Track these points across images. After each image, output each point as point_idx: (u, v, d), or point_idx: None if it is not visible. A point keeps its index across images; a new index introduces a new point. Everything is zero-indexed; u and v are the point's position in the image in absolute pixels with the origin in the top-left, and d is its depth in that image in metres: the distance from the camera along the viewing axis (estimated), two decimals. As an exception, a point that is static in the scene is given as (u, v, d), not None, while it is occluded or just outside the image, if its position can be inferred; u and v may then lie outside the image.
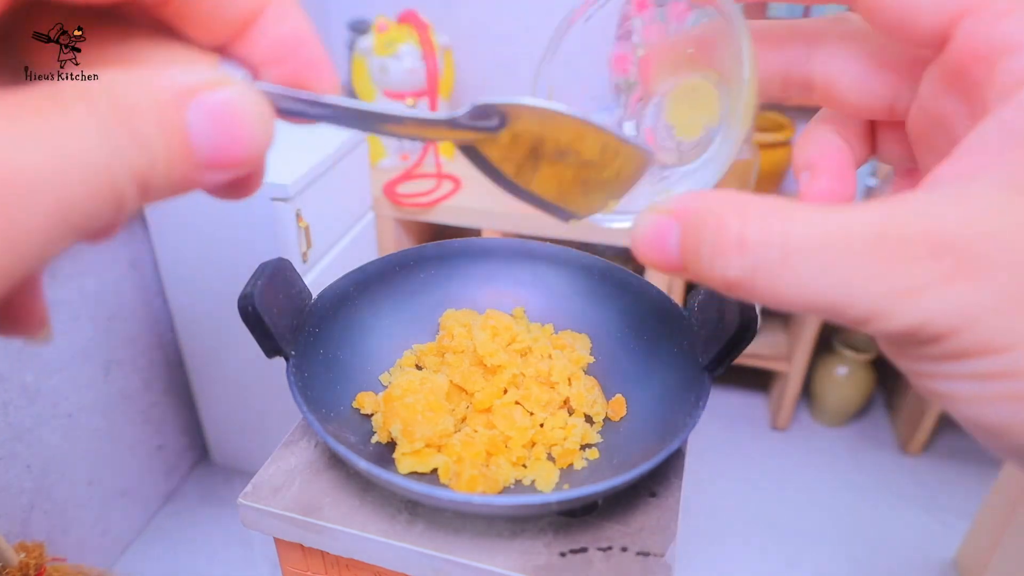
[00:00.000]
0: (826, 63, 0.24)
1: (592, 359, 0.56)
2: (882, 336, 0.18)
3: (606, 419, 0.52)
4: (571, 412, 0.52)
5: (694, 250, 0.19)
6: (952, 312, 0.16)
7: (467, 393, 0.51)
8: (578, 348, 0.56)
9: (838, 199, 0.24)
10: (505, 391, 0.51)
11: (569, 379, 0.52)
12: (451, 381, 0.51)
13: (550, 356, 0.54)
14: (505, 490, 0.46)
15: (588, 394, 0.52)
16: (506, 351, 0.53)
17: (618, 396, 0.52)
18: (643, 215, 0.20)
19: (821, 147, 0.25)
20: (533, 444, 0.49)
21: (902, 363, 0.19)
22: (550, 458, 0.49)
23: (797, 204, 0.18)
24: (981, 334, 0.16)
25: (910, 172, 0.26)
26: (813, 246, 0.17)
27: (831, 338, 1.60)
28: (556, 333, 0.58)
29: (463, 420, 0.50)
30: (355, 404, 0.51)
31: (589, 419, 0.52)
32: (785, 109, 1.57)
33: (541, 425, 0.50)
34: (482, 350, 0.51)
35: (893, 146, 0.26)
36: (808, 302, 0.17)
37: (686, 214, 0.19)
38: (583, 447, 0.50)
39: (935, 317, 0.16)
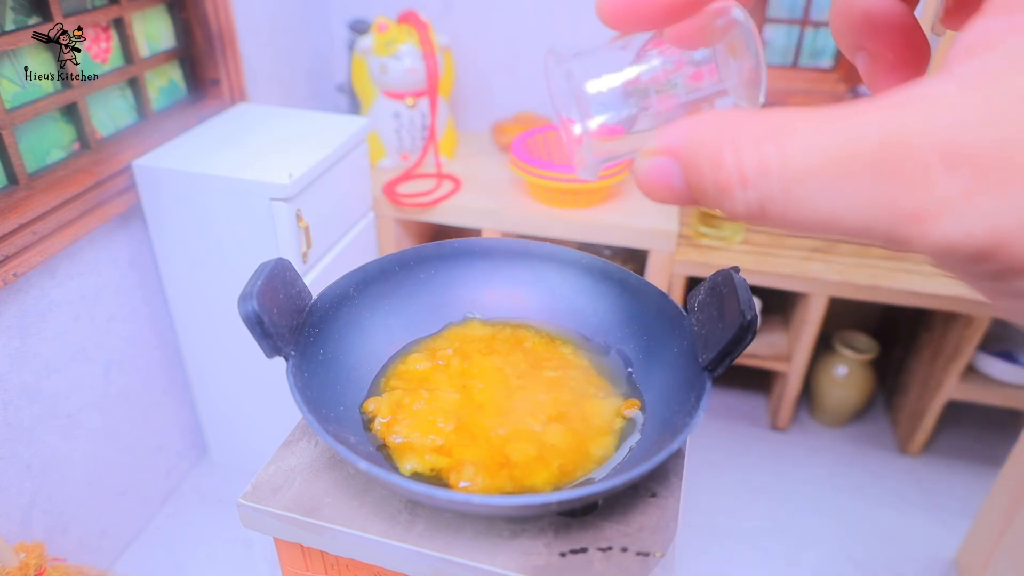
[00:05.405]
0: None
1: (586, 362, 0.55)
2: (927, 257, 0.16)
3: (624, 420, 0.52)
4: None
5: (699, 188, 0.18)
6: (978, 231, 0.14)
7: (480, 409, 0.51)
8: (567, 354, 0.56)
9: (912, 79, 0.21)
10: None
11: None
12: (461, 396, 0.51)
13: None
14: (505, 491, 0.46)
15: (610, 411, 0.51)
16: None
17: (632, 400, 0.52)
18: (641, 156, 0.19)
19: (864, 13, 0.23)
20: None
21: (964, 281, 0.17)
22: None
23: (795, 116, 0.16)
24: (1016, 251, 0.14)
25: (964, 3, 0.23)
26: (813, 171, 0.15)
27: (831, 338, 1.60)
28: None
29: (471, 437, 0.50)
30: (363, 409, 0.51)
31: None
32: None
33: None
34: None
35: None
36: (824, 228, 0.16)
37: (682, 152, 0.18)
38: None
39: (960, 239, 0.14)
